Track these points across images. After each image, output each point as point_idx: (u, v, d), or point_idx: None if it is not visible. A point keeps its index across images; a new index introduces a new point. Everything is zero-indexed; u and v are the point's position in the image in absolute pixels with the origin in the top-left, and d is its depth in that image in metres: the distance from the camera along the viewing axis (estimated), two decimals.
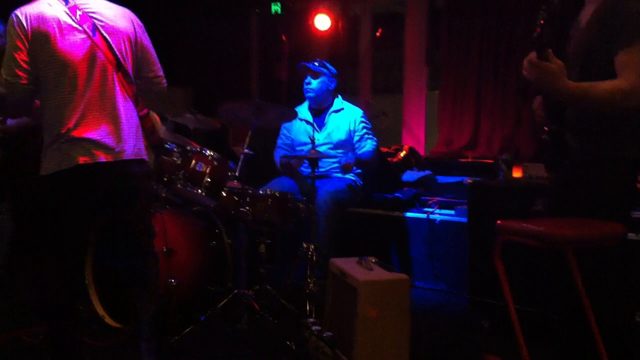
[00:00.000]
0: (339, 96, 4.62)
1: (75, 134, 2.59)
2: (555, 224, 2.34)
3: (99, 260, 3.72)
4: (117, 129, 2.69)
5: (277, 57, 6.96)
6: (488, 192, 3.72)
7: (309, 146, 3.93)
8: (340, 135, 4.46)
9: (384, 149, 5.48)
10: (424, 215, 4.52)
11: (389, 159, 5.39)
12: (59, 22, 2.61)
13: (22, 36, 2.57)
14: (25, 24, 2.57)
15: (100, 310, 3.63)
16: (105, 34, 2.70)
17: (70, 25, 2.63)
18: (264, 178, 4.46)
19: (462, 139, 6.38)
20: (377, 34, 7.03)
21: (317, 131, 4.47)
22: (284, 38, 6.60)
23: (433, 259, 4.45)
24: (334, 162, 4.47)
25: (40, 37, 2.58)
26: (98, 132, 2.63)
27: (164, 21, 5.67)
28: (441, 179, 5.18)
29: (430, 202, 4.73)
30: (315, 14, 6.87)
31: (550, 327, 2.83)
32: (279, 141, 4.65)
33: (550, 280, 2.75)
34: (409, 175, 5.17)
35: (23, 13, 2.59)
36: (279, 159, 4.54)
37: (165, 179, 3.72)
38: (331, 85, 4.53)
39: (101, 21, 2.71)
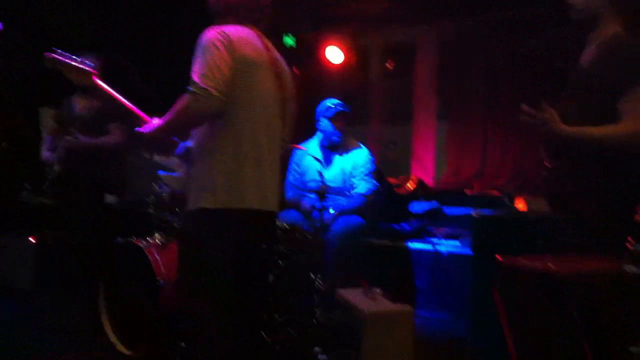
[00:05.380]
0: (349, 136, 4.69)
1: (250, 175, 2.49)
2: (552, 260, 2.41)
3: (112, 289, 3.84)
4: (276, 179, 2.66)
5: None
6: (491, 225, 3.80)
7: (318, 182, 4.02)
8: (346, 177, 4.50)
9: (392, 180, 5.57)
10: (429, 247, 4.59)
11: (396, 189, 5.48)
12: (259, 53, 2.56)
13: (228, 51, 2.42)
14: (229, 43, 2.43)
15: (112, 338, 3.74)
16: (283, 79, 2.67)
17: (266, 64, 2.58)
18: None
19: (469, 168, 6.47)
20: (388, 65, 7.16)
21: (325, 168, 4.52)
22: (295, 71, 6.73)
23: (438, 289, 4.51)
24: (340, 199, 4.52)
25: (245, 61, 2.47)
26: (268, 179, 2.57)
27: (171, 55, 5.83)
28: (448, 210, 5.26)
29: (436, 233, 4.81)
30: (327, 47, 7.01)
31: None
32: (290, 177, 4.69)
33: (550, 312, 2.81)
34: (417, 206, 5.25)
35: (227, 31, 2.46)
36: (290, 194, 4.62)
37: (178, 210, 3.84)
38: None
39: (281, 66, 2.69)
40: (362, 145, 4.66)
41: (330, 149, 4.60)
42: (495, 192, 5.56)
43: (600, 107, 2.47)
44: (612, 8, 2.54)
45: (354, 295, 3.28)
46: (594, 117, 2.47)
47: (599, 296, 2.46)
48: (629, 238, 2.97)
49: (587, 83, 2.57)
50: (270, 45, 2.68)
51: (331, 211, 4.33)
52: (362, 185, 4.48)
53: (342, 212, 4.38)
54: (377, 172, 4.67)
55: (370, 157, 4.60)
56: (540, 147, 2.77)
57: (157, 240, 3.75)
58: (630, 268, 3.26)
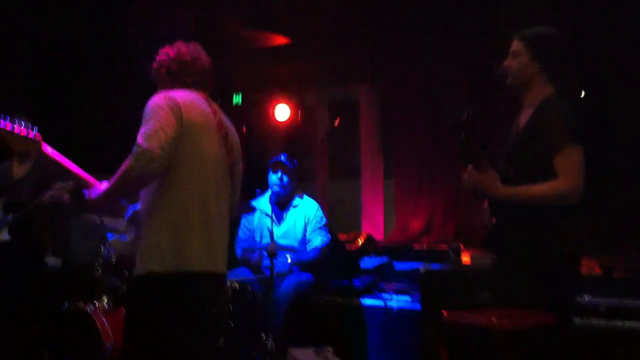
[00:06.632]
0: (299, 191, 4.75)
1: (198, 238, 2.51)
2: (494, 315, 2.49)
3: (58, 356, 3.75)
4: (224, 241, 2.69)
5: None
6: (438, 280, 3.87)
7: (268, 239, 4.05)
8: (297, 231, 4.57)
9: (342, 236, 5.61)
10: (381, 303, 4.60)
11: (347, 246, 5.52)
12: (206, 116, 2.60)
13: (175, 114, 2.46)
14: (177, 108, 2.47)
15: None
16: (230, 141, 2.71)
17: (214, 127, 2.62)
18: None
19: (418, 224, 6.56)
20: (335, 123, 7.31)
21: (277, 225, 4.55)
22: (243, 129, 6.79)
23: (389, 346, 4.50)
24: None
25: (192, 125, 2.50)
26: (216, 242, 2.60)
27: (122, 114, 5.87)
28: (398, 265, 5.29)
29: (387, 288, 4.82)
30: (275, 105, 7.11)
31: None
32: (240, 233, 4.70)
33: None
34: (367, 262, 5.28)
35: (173, 96, 2.51)
36: (240, 250, 4.62)
37: (126, 274, 3.79)
38: (296, 181, 4.68)
39: (228, 128, 2.74)
40: (310, 199, 4.72)
41: (280, 205, 4.65)
42: (443, 247, 5.65)
43: (538, 165, 2.60)
44: (544, 74, 2.71)
45: (305, 355, 3.28)
46: (533, 174, 2.60)
47: (542, 350, 2.53)
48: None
49: (524, 143, 2.71)
50: (217, 108, 2.73)
51: (288, 259, 4.36)
52: (317, 239, 4.54)
53: (298, 262, 4.43)
54: (330, 230, 4.73)
55: (320, 210, 4.67)
56: (484, 204, 2.88)
57: (104, 304, 3.70)
58: (576, 320, 3.38)
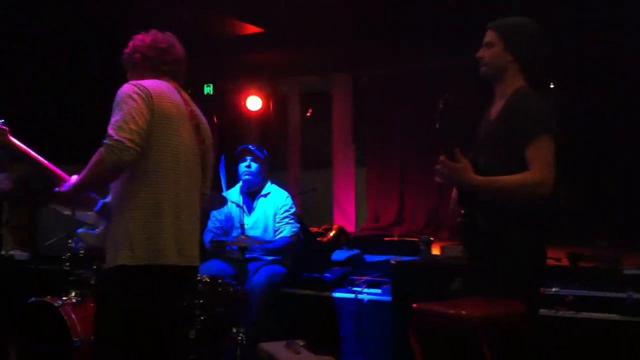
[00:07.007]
0: (269, 180, 4.75)
1: (169, 230, 2.48)
2: (464, 305, 2.51)
3: (25, 352, 3.69)
4: (196, 232, 2.67)
5: None
6: (409, 271, 3.89)
7: (239, 231, 4.03)
8: (268, 221, 4.56)
9: (314, 229, 5.61)
10: (352, 295, 4.61)
11: (318, 238, 5.51)
12: (178, 106, 2.57)
13: (146, 104, 2.43)
14: (148, 97, 2.44)
15: None
16: (201, 131, 2.69)
17: (186, 117, 2.60)
18: None
19: (389, 214, 6.61)
20: (307, 114, 7.30)
21: (247, 214, 4.55)
22: (214, 119, 6.75)
23: (361, 338, 4.52)
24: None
25: (164, 115, 2.48)
26: (187, 233, 2.58)
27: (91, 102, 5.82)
28: (369, 257, 5.31)
29: (358, 281, 4.84)
30: (247, 95, 7.07)
31: None
32: (210, 224, 4.68)
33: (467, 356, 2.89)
34: (338, 255, 5.28)
35: (145, 85, 2.48)
36: (208, 241, 4.59)
37: (95, 267, 3.75)
38: (266, 170, 4.67)
39: (200, 118, 2.71)
40: (280, 188, 4.72)
41: (250, 195, 4.63)
42: (414, 239, 5.69)
43: (509, 156, 2.61)
44: (517, 65, 2.71)
45: (276, 349, 3.28)
46: (502, 166, 2.61)
47: (512, 339, 2.56)
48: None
49: (496, 134, 2.71)
50: (188, 98, 2.71)
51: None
52: (286, 228, 4.53)
53: (267, 250, 4.42)
54: (299, 219, 4.72)
55: (289, 199, 4.67)
56: (454, 193, 2.89)
57: (72, 298, 3.65)
58: (544, 311, 3.43)
